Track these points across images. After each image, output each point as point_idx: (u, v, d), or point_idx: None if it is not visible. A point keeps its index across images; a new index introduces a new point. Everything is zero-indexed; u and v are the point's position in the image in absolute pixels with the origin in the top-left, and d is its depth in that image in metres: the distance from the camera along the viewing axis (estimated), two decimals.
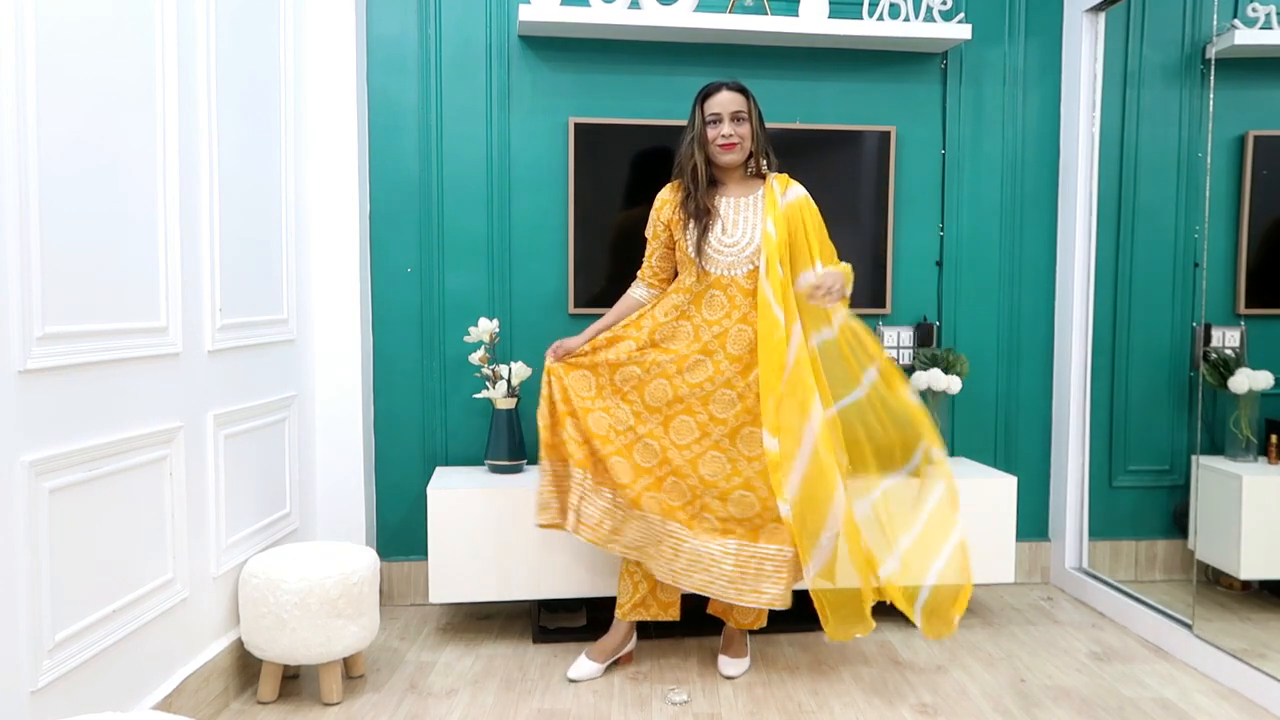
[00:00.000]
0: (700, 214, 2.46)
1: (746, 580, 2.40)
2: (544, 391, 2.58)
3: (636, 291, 2.63)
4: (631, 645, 2.65)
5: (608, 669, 2.59)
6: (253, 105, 2.49)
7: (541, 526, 2.60)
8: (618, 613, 2.60)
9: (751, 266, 2.46)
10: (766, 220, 2.45)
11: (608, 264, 3.08)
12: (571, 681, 2.52)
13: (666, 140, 2.94)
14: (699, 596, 2.71)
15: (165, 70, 2.05)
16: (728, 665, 2.58)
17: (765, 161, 2.54)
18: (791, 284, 2.45)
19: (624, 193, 3.09)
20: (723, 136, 2.44)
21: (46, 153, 1.68)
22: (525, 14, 2.90)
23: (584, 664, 2.56)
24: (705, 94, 2.48)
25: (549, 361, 2.57)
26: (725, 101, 2.44)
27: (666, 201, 2.56)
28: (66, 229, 1.74)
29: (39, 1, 1.65)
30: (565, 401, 2.54)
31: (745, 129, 2.46)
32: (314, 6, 2.84)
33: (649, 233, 2.60)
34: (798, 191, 2.51)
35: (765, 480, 2.39)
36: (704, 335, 2.48)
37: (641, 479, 2.47)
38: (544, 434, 2.56)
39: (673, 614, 2.60)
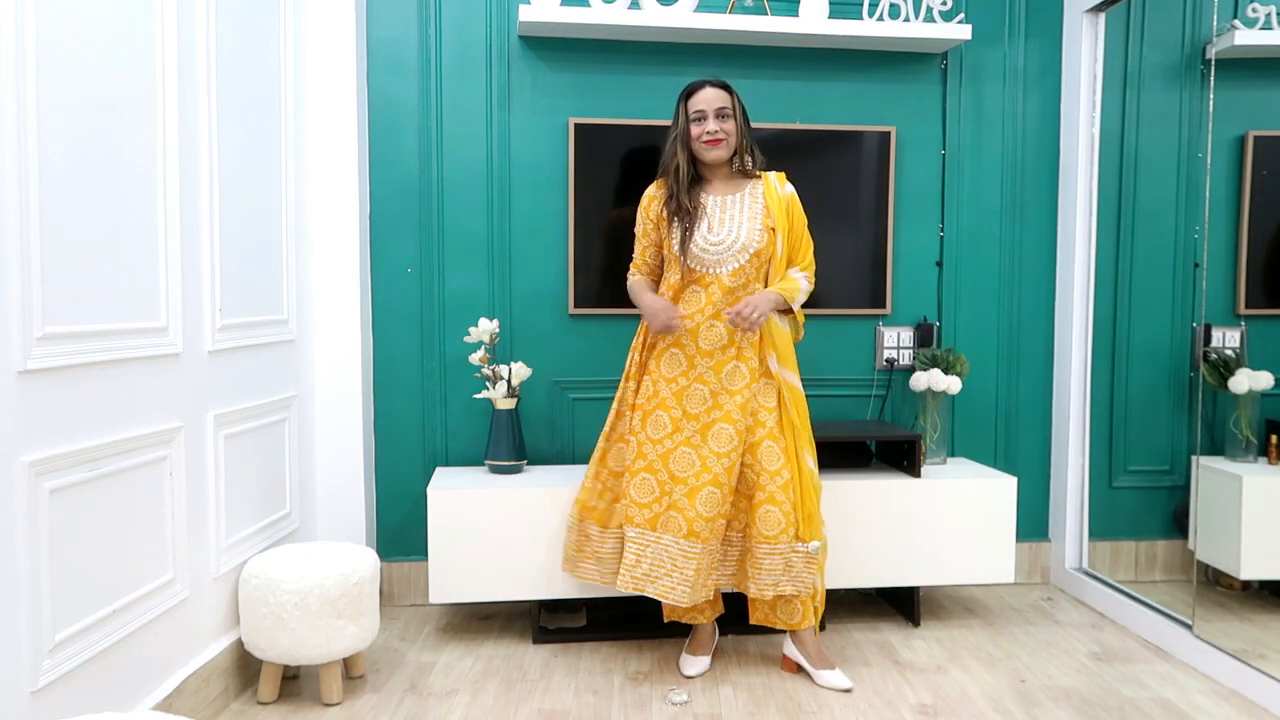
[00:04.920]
0: (683, 212, 2.47)
1: (712, 577, 2.45)
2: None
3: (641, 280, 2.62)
4: (716, 636, 2.68)
5: (609, 671, 2.59)
6: (253, 105, 2.49)
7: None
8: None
9: (737, 264, 2.46)
10: (769, 217, 2.48)
11: (606, 263, 3.07)
12: (688, 678, 2.53)
13: (656, 139, 2.93)
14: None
15: (165, 70, 2.05)
16: (828, 678, 2.49)
17: (751, 159, 2.54)
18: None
19: (614, 191, 3.09)
20: (708, 133, 2.45)
21: (46, 152, 1.68)
22: (525, 14, 2.90)
23: (693, 661, 2.57)
24: (688, 92, 2.50)
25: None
26: (710, 98, 2.46)
27: (654, 199, 2.57)
28: (66, 229, 1.74)
29: (39, 1, 1.65)
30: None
31: (730, 125, 2.47)
32: (314, 7, 2.84)
33: (638, 230, 2.61)
34: (791, 189, 2.56)
35: (730, 478, 2.42)
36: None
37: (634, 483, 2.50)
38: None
39: (717, 609, 2.65)
